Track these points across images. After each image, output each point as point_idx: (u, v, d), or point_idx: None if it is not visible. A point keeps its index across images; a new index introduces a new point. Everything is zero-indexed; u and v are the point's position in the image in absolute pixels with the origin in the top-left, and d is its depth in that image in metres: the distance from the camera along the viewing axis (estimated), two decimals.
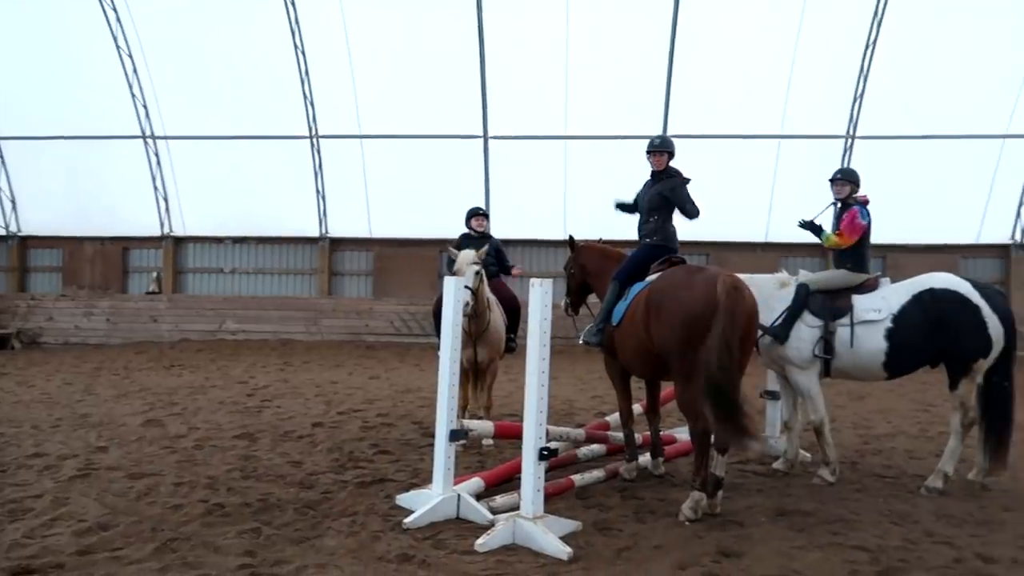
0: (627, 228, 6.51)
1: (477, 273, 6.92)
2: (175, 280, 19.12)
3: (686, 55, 16.40)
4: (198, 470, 6.50)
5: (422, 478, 6.17)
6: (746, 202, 17.22)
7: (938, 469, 6.05)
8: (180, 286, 19.27)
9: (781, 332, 6.29)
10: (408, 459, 7.03)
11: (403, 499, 5.62)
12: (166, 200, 18.65)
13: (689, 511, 5.22)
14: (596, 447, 6.97)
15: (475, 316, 7.19)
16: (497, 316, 7.64)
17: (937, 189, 16.71)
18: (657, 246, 6.26)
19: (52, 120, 17.95)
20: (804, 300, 6.30)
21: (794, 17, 15.84)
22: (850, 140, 16.82)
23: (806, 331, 6.26)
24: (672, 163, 6.48)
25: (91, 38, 16.95)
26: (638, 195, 6.63)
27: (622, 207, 6.91)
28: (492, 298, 7.66)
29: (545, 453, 4.94)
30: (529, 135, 17.37)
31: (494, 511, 5.29)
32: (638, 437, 7.05)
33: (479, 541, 4.71)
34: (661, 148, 6.37)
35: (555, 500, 5.69)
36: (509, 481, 5.95)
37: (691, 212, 6.21)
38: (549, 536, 4.71)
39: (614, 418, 7.14)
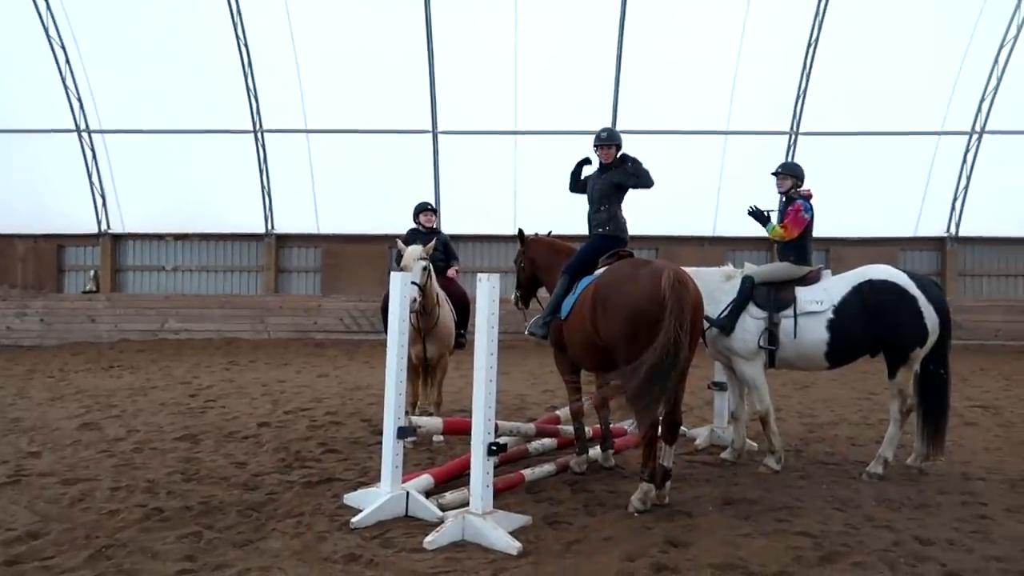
0: (578, 222, 6.49)
1: (425, 268, 6.84)
2: (114, 279, 18.47)
3: (634, 51, 16.52)
4: (136, 474, 6.30)
5: (371, 476, 6.08)
6: (694, 197, 17.45)
7: (878, 455, 6.21)
8: (119, 285, 18.63)
9: (727, 324, 6.38)
10: (356, 457, 6.93)
11: (351, 498, 5.53)
12: (103, 196, 18.01)
13: (638, 502, 5.25)
14: (547, 441, 6.98)
15: (424, 312, 7.11)
16: (446, 312, 7.57)
17: (877, 184, 17.19)
18: (608, 236, 6.25)
19: None
20: (749, 292, 6.40)
21: (739, 15, 16.10)
22: (794, 136, 17.17)
23: (751, 323, 6.36)
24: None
25: (21, 28, 16.24)
26: (588, 184, 6.58)
27: (575, 177, 6.78)
28: (441, 294, 7.58)
29: (494, 448, 4.90)
30: (479, 130, 17.27)
31: (443, 508, 5.24)
32: (588, 430, 7.09)
33: (428, 539, 4.66)
34: (609, 142, 6.35)
35: (506, 495, 5.68)
36: (459, 477, 5.90)
37: (650, 182, 6.24)
38: (498, 531, 4.68)
39: (564, 412, 7.15)
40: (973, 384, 11.63)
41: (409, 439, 7.22)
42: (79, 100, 17.12)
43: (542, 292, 7.10)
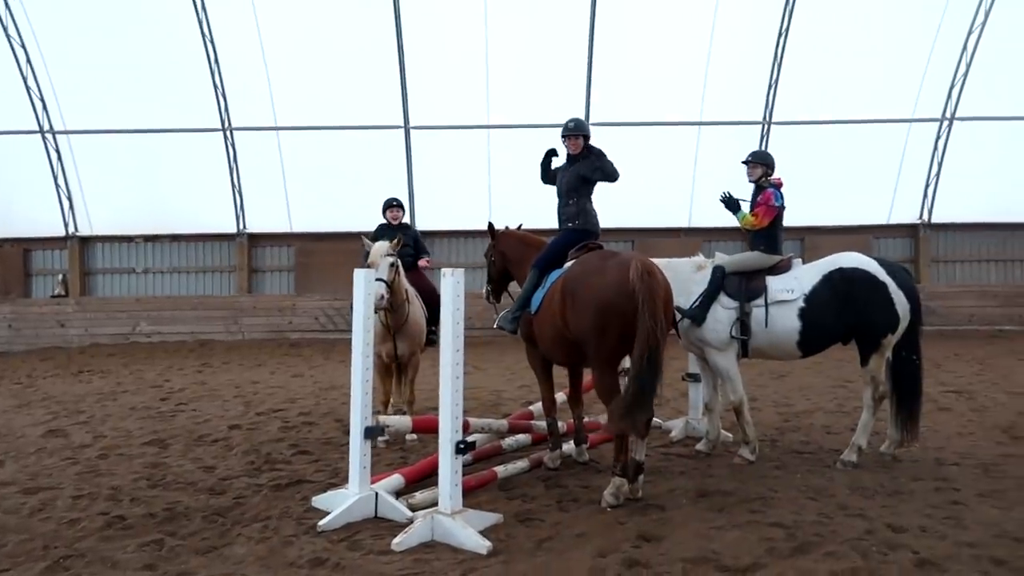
0: (553, 216, 6.38)
1: (392, 265, 6.71)
2: (83, 282, 18.12)
3: (606, 43, 16.44)
4: (101, 481, 6.16)
5: (341, 478, 5.98)
6: (669, 188, 17.42)
7: (852, 443, 6.20)
8: (89, 288, 18.29)
9: (699, 314, 6.32)
10: (328, 459, 6.82)
11: (319, 500, 5.43)
12: (70, 198, 17.65)
13: (611, 497, 5.19)
14: (521, 437, 6.90)
15: (393, 309, 7.00)
16: (417, 308, 7.46)
17: (850, 172, 17.26)
18: (577, 231, 6.16)
19: None
20: (720, 282, 6.35)
21: (710, 4, 16.07)
22: (767, 126, 17.20)
23: (723, 313, 6.31)
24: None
25: None
26: (557, 177, 6.48)
27: (545, 167, 6.67)
28: (411, 290, 7.47)
29: (462, 447, 4.81)
30: (451, 125, 17.12)
31: (414, 508, 5.16)
32: (563, 425, 7.02)
33: (396, 540, 4.58)
34: (576, 132, 6.23)
35: (478, 493, 5.60)
36: (431, 476, 5.79)
37: (615, 175, 6.08)
38: (468, 531, 4.60)
39: (538, 407, 7.07)
40: (947, 369, 11.71)
41: (382, 438, 7.17)
42: (42, 101, 16.74)
43: (514, 286, 7.01)
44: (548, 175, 6.64)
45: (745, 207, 6.66)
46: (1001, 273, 18.45)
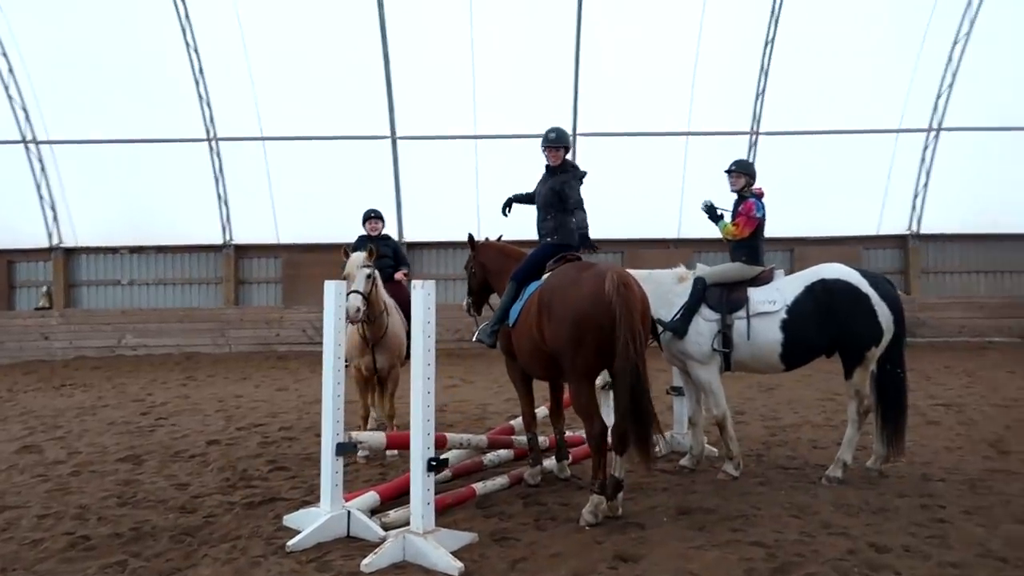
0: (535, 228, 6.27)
1: (369, 276, 6.60)
2: (67, 294, 17.95)
3: (592, 52, 16.42)
4: (69, 499, 6.02)
5: (317, 495, 5.81)
6: (657, 199, 17.39)
7: (837, 458, 6.10)
8: (73, 300, 18.11)
9: (680, 327, 6.22)
10: (305, 475, 6.68)
11: (291, 519, 5.29)
12: (54, 209, 17.49)
13: (589, 515, 5.07)
14: (503, 452, 6.78)
15: (370, 321, 6.88)
16: (396, 320, 7.33)
17: (839, 183, 17.25)
18: (557, 245, 6.04)
19: None
20: (701, 294, 6.26)
21: (695, 15, 16.06)
22: (755, 136, 17.18)
23: (704, 325, 6.21)
24: (573, 158, 6.28)
25: None
26: (536, 189, 6.38)
27: (517, 199, 6.62)
28: (390, 302, 7.35)
29: (434, 464, 4.68)
30: (438, 135, 17.07)
31: (387, 527, 5.03)
32: (544, 440, 6.90)
33: (365, 561, 4.45)
34: (557, 143, 6.06)
35: (455, 510, 5.47)
36: (409, 494, 5.67)
37: (573, 207, 5.91)
38: (440, 551, 4.48)
39: (519, 422, 6.94)
40: (936, 382, 11.63)
41: (362, 454, 7.03)
42: (24, 110, 16.61)
43: (494, 298, 6.89)
44: (520, 199, 6.55)
45: (727, 217, 6.57)
46: (991, 284, 18.43)
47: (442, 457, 5.13)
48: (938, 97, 16.91)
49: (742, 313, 6.12)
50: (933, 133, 17.22)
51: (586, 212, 5.97)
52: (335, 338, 5.24)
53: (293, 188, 17.28)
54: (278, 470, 6.89)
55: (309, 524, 4.99)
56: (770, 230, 6.69)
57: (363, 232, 8.31)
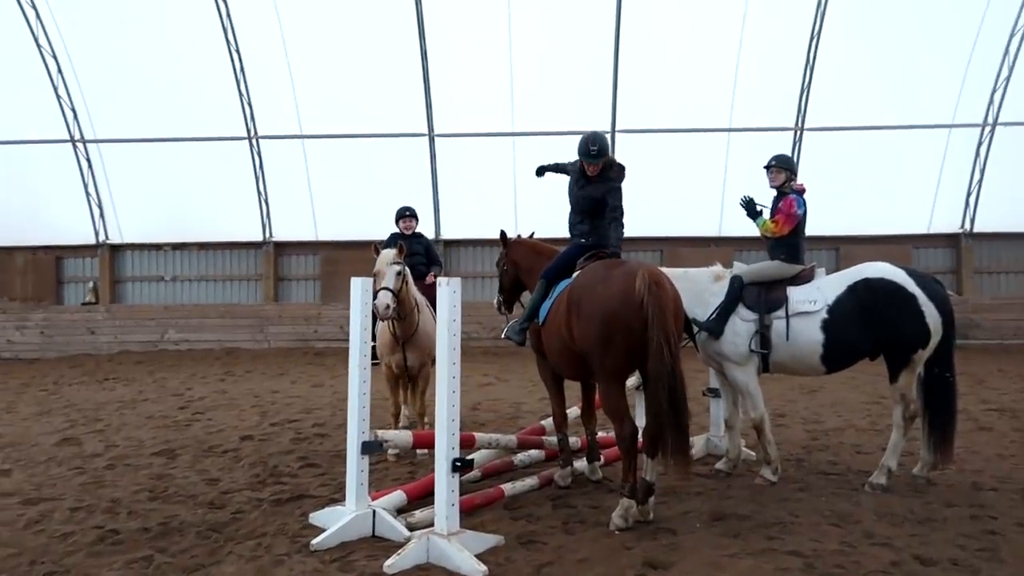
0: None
1: (399, 273, 6.53)
2: (113, 289, 18.34)
3: (632, 48, 16.17)
4: (103, 492, 6.07)
5: (345, 493, 5.77)
6: (698, 197, 17.06)
7: (882, 465, 5.85)
8: (119, 296, 18.50)
9: (716, 327, 6.03)
10: (335, 472, 6.64)
11: (316, 517, 5.25)
12: (100, 206, 17.89)
13: (619, 520, 4.92)
14: (534, 453, 6.66)
15: (401, 319, 6.82)
16: (428, 318, 7.25)
17: (887, 180, 16.72)
18: (589, 246, 5.83)
19: None
20: (738, 293, 6.05)
21: (738, 9, 15.71)
22: (799, 132, 16.74)
23: (741, 325, 6.00)
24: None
25: (10, 37, 16.14)
26: (570, 190, 6.16)
27: (552, 168, 6.41)
28: (421, 299, 7.29)
29: (459, 464, 4.58)
30: (476, 132, 17.00)
31: (412, 527, 4.95)
32: (576, 441, 6.76)
33: (388, 562, 4.37)
34: (599, 159, 5.62)
35: (482, 512, 5.37)
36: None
37: (617, 217, 5.59)
38: (464, 554, 4.38)
39: (551, 422, 6.81)
40: (990, 386, 11.17)
41: (393, 451, 6.98)
42: (72, 110, 17.01)
43: (526, 296, 6.77)
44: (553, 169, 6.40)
45: (766, 213, 6.35)
46: None
47: (469, 457, 5.02)
48: (993, 91, 16.27)
49: (781, 313, 5.89)
50: (988, 128, 16.57)
51: (624, 226, 5.64)
52: (361, 335, 5.17)
53: (331, 185, 17.38)
54: (308, 467, 6.88)
55: (334, 523, 4.94)
56: (815, 228, 6.45)
57: (396, 230, 8.26)
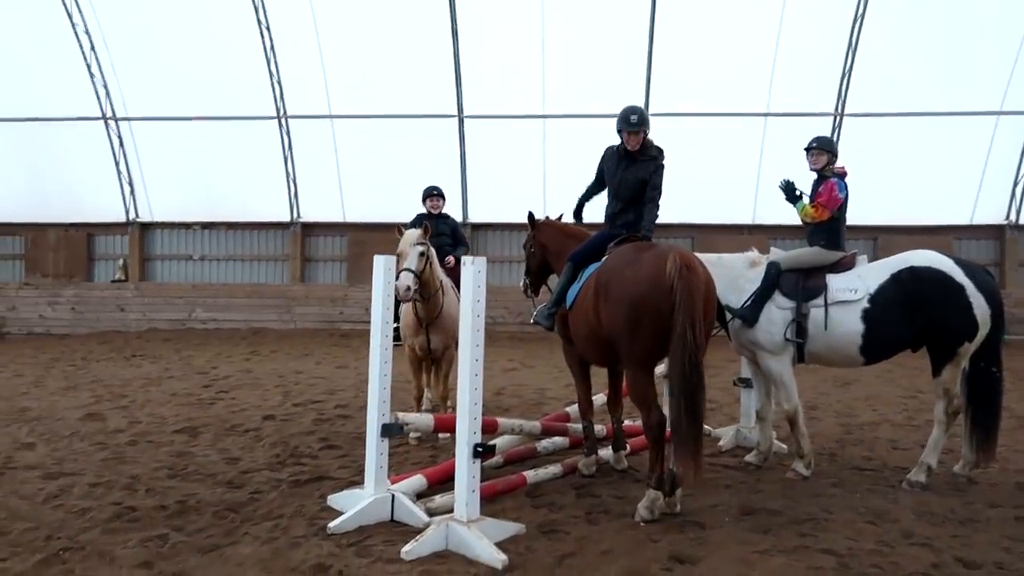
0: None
1: (422, 254, 6.39)
2: (143, 267, 18.49)
3: (667, 30, 15.80)
4: (123, 468, 6.05)
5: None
6: (732, 183, 16.68)
7: (921, 461, 5.61)
8: (148, 274, 18.65)
9: (750, 315, 5.80)
10: (356, 455, 6.53)
11: (334, 499, 5.16)
12: (131, 184, 18.00)
13: (645, 511, 4.76)
14: (558, 439, 6.51)
15: (424, 300, 6.69)
16: (452, 299, 7.10)
17: (930, 168, 16.18)
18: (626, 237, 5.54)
19: (4, 103, 17.21)
20: (775, 280, 5.81)
21: None
22: (839, 118, 16.27)
23: (777, 313, 5.77)
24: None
25: (44, 15, 16.23)
26: (600, 169, 5.94)
27: (588, 197, 6.16)
28: (447, 281, 7.15)
29: (480, 450, 4.44)
30: (506, 114, 16.77)
31: (432, 512, 4.83)
32: (601, 428, 6.59)
33: (406, 548, 4.26)
34: (639, 127, 5.44)
35: (503, 499, 5.24)
36: None
37: (655, 198, 5.42)
38: (484, 542, 4.25)
39: (576, 409, 6.65)
40: None
41: (415, 434, 6.86)
42: (105, 88, 17.10)
43: (553, 279, 6.59)
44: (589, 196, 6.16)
45: (806, 198, 6.08)
46: None
47: (491, 443, 4.88)
48: None
49: (819, 301, 5.65)
50: None
51: (659, 209, 5.46)
52: (383, 315, 5.05)
53: (359, 166, 17.29)
54: (329, 448, 6.81)
55: (352, 506, 4.84)
56: (853, 217, 6.17)
57: (422, 210, 8.12)
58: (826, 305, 5.62)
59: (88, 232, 18.73)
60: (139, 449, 6.71)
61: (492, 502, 5.06)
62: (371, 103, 16.70)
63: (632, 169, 5.52)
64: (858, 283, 5.61)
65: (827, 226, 5.88)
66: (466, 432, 4.42)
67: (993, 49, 15.39)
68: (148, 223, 18.47)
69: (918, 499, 5.24)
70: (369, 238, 17.82)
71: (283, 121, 17.11)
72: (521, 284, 6.85)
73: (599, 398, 6.50)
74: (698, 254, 5.34)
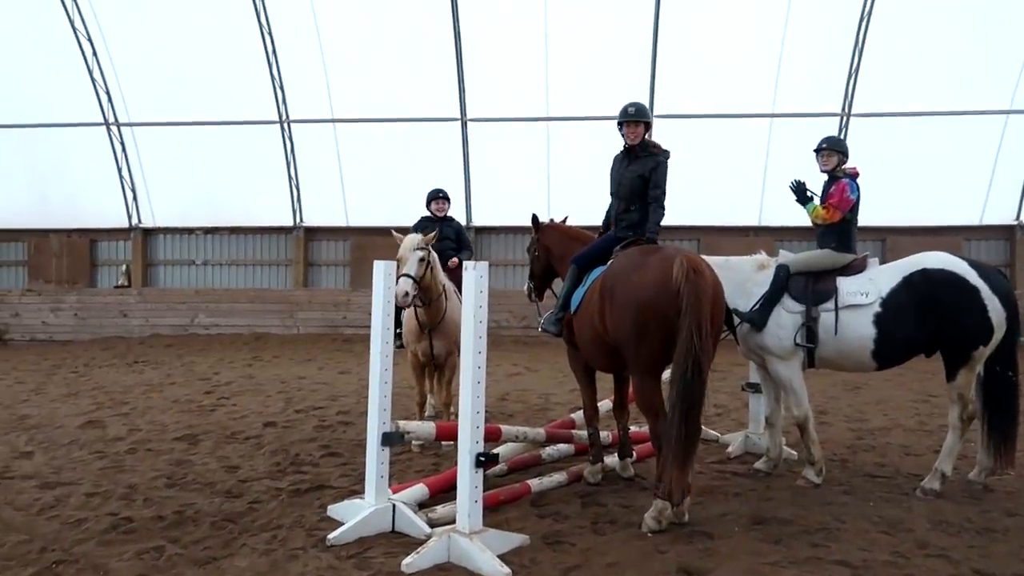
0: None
1: (422, 260, 6.28)
2: (145, 273, 18.41)
3: (671, 30, 15.66)
4: (120, 478, 5.96)
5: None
6: (737, 185, 16.52)
7: (935, 468, 5.46)
8: (151, 279, 18.57)
9: (759, 318, 5.67)
10: (357, 463, 6.41)
11: (334, 510, 5.04)
12: (133, 190, 17.94)
13: (652, 521, 4.63)
14: (563, 447, 6.38)
15: (426, 305, 6.58)
16: (456, 304, 6.98)
17: (938, 168, 15.96)
18: (632, 240, 5.44)
19: (6, 109, 17.16)
20: (784, 283, 5.68)
21: None
22: (846, 118, 16.10)
23: (786, 317, 5.64)
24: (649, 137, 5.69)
25: (46, 21, 16.19)
26: (612, 173, 5.84)
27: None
28: (450, 285, 7.04)
29: (483, 459, 4.33)
30: (509, 117, 16.64)
31: (434, 523, 4.71)
32: (608, 435, 6.48)
33: (406, 561, 4.15)
34: (637, 118, 5.44)
35: (507, 508, 5.12)
36: None
37: (658, 198, 5.31)
38: (486, 554, 4.14)
39: (581, 415, 6.53)
40: None
41: (417, 442, 6.74)
42: (107, 93, 17.03)
43: (558, 283, 6.47)
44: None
45: (816, 199, 5.96)
46: None
47: (494, 451, 4.76)
48: None
49: (830, 305, 5.52)
50: None
51: (664, 210, 5.34)
52: (383, 321, 4.95)
53: (362, 170, 17.17)
54: (330, 456, 6.71)
55: (352, 517, 4.74)
56: (861, 218, 6.02)
57: (426, 213, 8.01)
58: (837, 309, 5.49)
59: (91, 238, 18.66)
60: (138, 457, 6.62)
61: (496, 511, 4.95)
62: (374, 107, 16.57)
63: (634, 165, 5.44)
64: (870, 286, 5.48)
65: (838, 228, 5.76)
66: (468, 441, 4.31)
67: (1002, 47, 15.19)
68: (150, 228, 18.39)
69: (933, 507, 5.10)
70: (372, 242, 17.70)
71: (285, 125, 17.02)
72: (525, 288, 6.73)
73: (605, 404, 6.38)
74: (705, 257, 5.23)
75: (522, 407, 9.08)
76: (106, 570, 4.17)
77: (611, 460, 6.05)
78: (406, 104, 16.47)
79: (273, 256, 18.44)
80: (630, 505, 5.21)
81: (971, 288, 5.27)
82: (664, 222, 5.44)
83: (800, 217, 6.06)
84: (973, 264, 5.41)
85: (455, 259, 7.54)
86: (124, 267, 18.48)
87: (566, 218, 6.70)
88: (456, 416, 6.61)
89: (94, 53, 16.59)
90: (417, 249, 6.26)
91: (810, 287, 5.63)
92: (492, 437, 5.39)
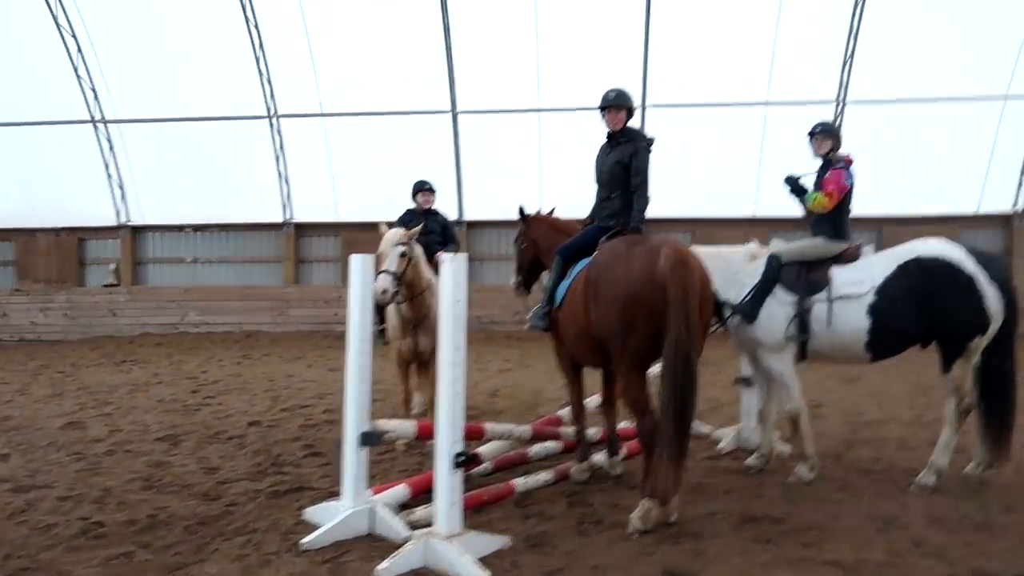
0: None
1: (403, 255, 6.12)
2: (135, 271, 18.27)
3: (663, 18, 15.50)
4: (96, 480, 5.80)
5: None
6: (732, 175, 16.38)
7: (931, 463, 5.32)
8: (140, 277, 18.43)
9: (750, 310, 5.51)
10: (340, 463, 6.26)
11: (310, 513, 4.88)
12: (122, 188, 17.77)
13: (638, 521, 4.48)
14: (550, 444, 6.22)
15: (410, 301, 6.43)
16: None
17: (935, 156, 15.85)
18: (617, 231, 5.26)
19: None
20: (776, 273, 5.52)
21: None
22: (841, 105, 15.95)
23: (778, 308, 5.48)
24: (635, 126, 5.51)
25: (29, 18, 15.99)
26: (596, 162, 5.68)
27: None
28: (435, 280, 6.85)
29: (461, 459, 4.17)
30: (500, 109, 16.49)
31: (414, 525, 4.56)
32: (596, 432, 6.32)
33: (381, 566, 4.01)
34: (617, 103, 5.30)
35: (491, 509, 4.97)
36: None
37: (640, 185, 5.14)
38: (465, 558, 3.99)
39: (569, 412, 6.37)
40: None
41: (401, 442, 6.59)
42: (93, 90, 16.86)
43: (545, 276, 6.31)
44: None
45: (811, 189, 5.79)
46: None
47: (472, 451, 4.60)
48: None
49: (823, 295, 5.36)
50: None
51: (648, 198, 5.17)
52: (360, 316, 4.78)
53: (352, 165, 17.04)
54: (313, 456, 6.56)
55: (328, 520, 4.58)
56: (856, 208, 5.86)
57: (412, 205, 7.81)
58: (830, 299, 5.33)
59: (79, 236, 18.51)
60: (116, 459, 6.47)
61: (479, 512, 4.80)
62: (363, 100, 16.44)
63: (614, 152, 5.28)
64: (864, 275, 5.31)
65: (830, 216, 5.59)
66: (446, 440, 4.15)
67: (998, 31, 15.04)
68: (139, 226, 18.25)
69: (929, 503, 4.96)
70: (363, 238, 17.46)
71: (274, 120, 16.87)
72: (512, 282, 6.57)
73: (593, 400, 6.23)
74: (696, 247, 5.07)
75: (512, 403, 8.94)
76: None
77: (599, 458, 5.89)
78: (396, 97, 16.33)
79: (263, 253, 18.28)
80: (617, 504, 5.06)
81: (967, 277, 5.10)
82: (657, 214, 5.29)
83: (796, 207, 5.90)
84: (970, 251, 5.24)
85: (441, 253, 7.36)
86: (113, 266, 18.31)
87: (553, 209, 6.55)
88: None
89: (79, 50, 16.41)
90: (398, 244, 6.09)
91: (803, 277, 5.46)
92: (475, 435, 5.24)
